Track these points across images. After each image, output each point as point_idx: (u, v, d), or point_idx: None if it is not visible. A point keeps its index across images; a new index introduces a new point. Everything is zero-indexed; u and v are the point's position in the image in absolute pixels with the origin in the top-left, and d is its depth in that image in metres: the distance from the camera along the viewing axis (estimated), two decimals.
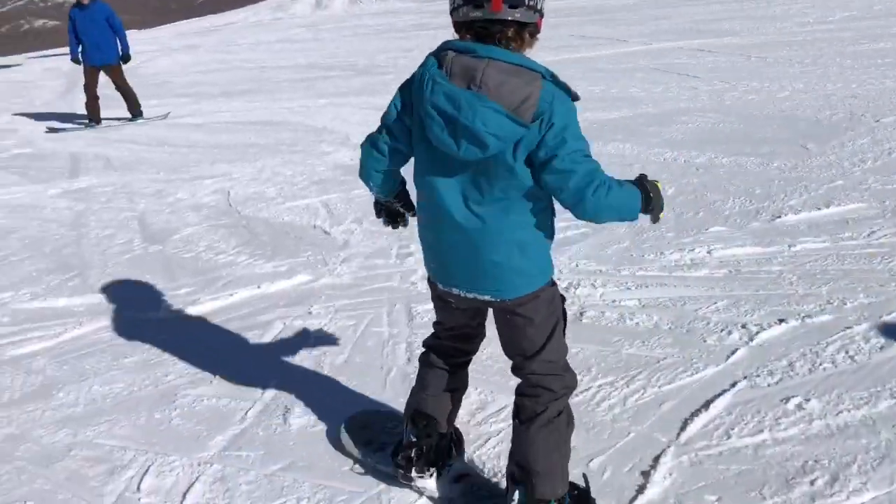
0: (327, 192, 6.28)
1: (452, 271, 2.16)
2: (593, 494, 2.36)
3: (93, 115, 10.56)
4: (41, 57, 27.83)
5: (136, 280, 4.50)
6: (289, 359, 3.43)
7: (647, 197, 2.09)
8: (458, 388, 2.50)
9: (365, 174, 2.24)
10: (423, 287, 4.07)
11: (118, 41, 10.29)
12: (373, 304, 3.93)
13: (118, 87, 10.52)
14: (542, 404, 2.21)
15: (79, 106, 11.92)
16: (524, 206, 2.03)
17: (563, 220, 4.80)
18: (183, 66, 18.44)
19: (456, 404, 2.51)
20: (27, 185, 7.25)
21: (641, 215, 2.13)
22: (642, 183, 2.12)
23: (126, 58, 10.45)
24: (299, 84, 13.15)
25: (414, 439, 2.45)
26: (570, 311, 3.68)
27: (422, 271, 4.32)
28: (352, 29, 23.52)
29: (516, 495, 2.22)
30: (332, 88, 12.23)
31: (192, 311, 4.00)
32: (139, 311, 4.04)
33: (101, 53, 10.17)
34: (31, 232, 5.63)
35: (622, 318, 3.59)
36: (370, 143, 2.18)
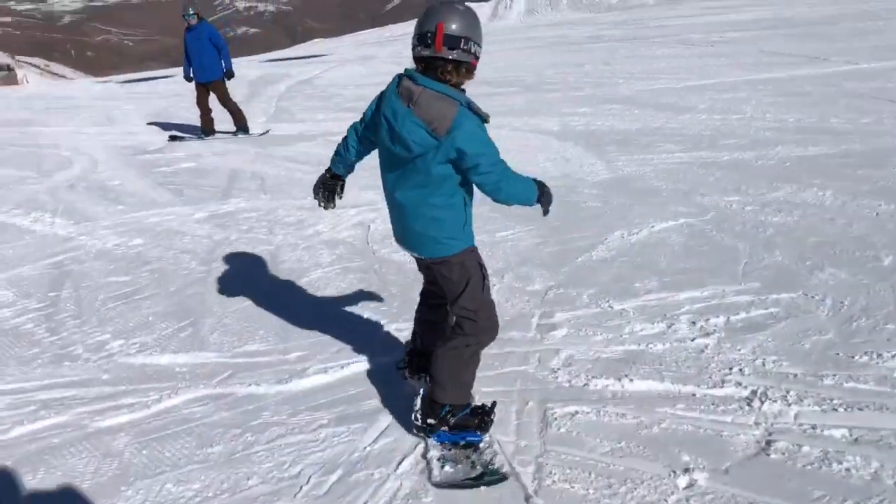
0: (492, 232, 5.69)
1: (397, 232, 2.96)
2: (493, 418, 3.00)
3: (204, 128, 11.08)
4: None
5: (247, 337, 4.08)
6: (388, 472, 2.83)
7: (541, 189, 2.90)
8: (436, 321, 3.24)
9: (346, 148, 3.05)
10: (566, 379, 3.36)
11: (222, 59, 10.67)
12: (501, 398, 3.24)
13: (222, 103, 10.86)
14: (454, 335, 2.93)
15: (253, 113, 12.34)
16: (438, 193, 2.70)
17: (749, 293, 3.90)
18: (355, 78, 18.65)
19: (438, 332, 3.17)
20: (179, 205, 7.18)
21: (537, 205, 2.92)
22: (536, 180, 2.91)
23: (229, 74, 10.77)
24: None
25: (410, 347, 3.44)
26: (754, 434, 2.86)
27: (566, 353, 3.61)
28: (524, 41, 22.91)
29: (422, 391, 3.01)
30: (493, 108, 11.64)
31: (296, 386, 3.50)
32: (240, 381, 3.59)
33: (204, 71, 10.62)
34: (164, 264, 5.42)
35: (826, 459, 2.69)
36: (353, 128, 3.02)
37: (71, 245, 5.97)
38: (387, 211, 2.95)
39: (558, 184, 6.86)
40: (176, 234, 6.15)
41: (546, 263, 4.88)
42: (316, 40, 56.95)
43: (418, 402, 2.95)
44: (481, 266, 2.93)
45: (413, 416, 2.96)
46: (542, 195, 2.89)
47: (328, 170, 3.17)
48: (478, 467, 2.82)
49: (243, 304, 4.57)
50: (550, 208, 2.95)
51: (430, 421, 2.92)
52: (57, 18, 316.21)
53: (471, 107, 2.60)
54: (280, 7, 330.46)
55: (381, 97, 2.75)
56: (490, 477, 2.77)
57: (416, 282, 5.05)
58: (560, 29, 25.76)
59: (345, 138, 3.03)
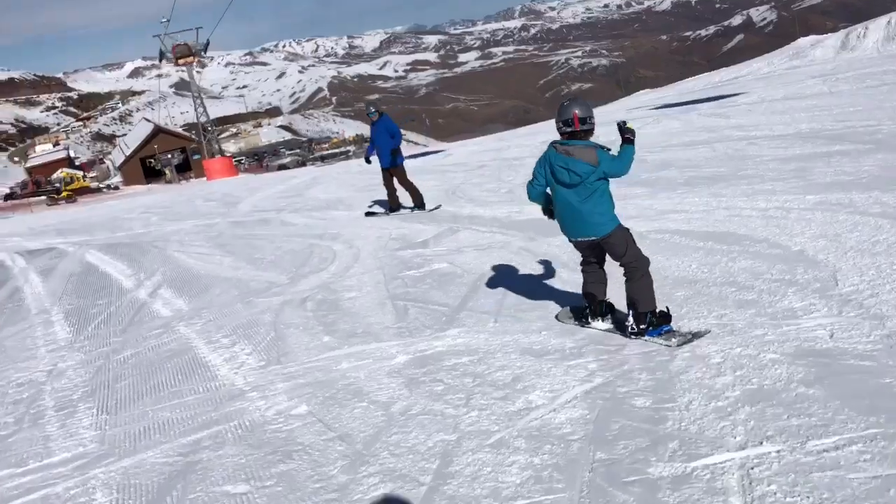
0: (757, 438, 3.43)
1: (573, 229, 5.06)
2: (672, 315, 4.99)
3: (391, 205, 12.55)
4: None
5: None
6: None
7: (632, 141, 4.94)
8: (601, 280, 5.32)
9: (534, 197, 5.31)
10: None
11: (394, 143, 12.09)
12: None
13: (400, 184, 12.29)
14: (632, 274, 4.96)
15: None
16: (597, 197, 4.88)
17: None
18: (668, 136, 16.40)
19: (604, 286, 5.31)
20: (396, 338, 5.80)
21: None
22: (628, 138, 4.93)
23: (395, 153, 12.11)
24: (788, 166, 9.94)
25: (588, 305, 5.35)
26: None
27: None
28: (880, 76, 18.58)
29: (631, 311, 4.98)
30: (830, 175, 8.80)
31: None
32: None
33: (384, 159, 12.16)
34: (304, 463, 3.90)
35: None
36: (531, 185, 5.25)
37: (231, 410, 4.79)
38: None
39: None
40: (353, 398, 4.70)
41: None
42: (643, 91, 54.99)
43: (630, 319, 4.98)
44: (628, 230, 5.04)
45: (628, 332, 4.99)
46: (633, 138, 4.97)
47: (542, 209, 5.37)
48: (688, 335, 4.78)
49: None
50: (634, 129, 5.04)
51: (641, 327, 4.93)
52: (415, 91, 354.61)
53: (601, 146, 4.86)
54: (612, 60, 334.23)
55: (545, 161, 5.09)
56: (698, 337, 4.76)
57: None
58: None
59: (529, 194, 5.35)
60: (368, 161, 12.91)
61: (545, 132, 26.17)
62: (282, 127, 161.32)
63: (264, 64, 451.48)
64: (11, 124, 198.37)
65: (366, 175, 22.23)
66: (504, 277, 7.11)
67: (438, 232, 10.42)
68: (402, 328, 6.03)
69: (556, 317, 5.66)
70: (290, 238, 12.04)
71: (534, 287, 6.63)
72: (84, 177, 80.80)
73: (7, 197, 75.06)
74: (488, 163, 19.37)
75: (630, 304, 4.96)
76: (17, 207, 56.47)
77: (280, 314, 7.02)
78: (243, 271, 9.63)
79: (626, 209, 9.43)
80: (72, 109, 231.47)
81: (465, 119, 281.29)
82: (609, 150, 4.87)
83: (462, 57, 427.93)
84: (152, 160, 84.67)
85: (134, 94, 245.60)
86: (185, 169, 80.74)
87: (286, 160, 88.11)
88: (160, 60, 76.58)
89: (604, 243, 4.97)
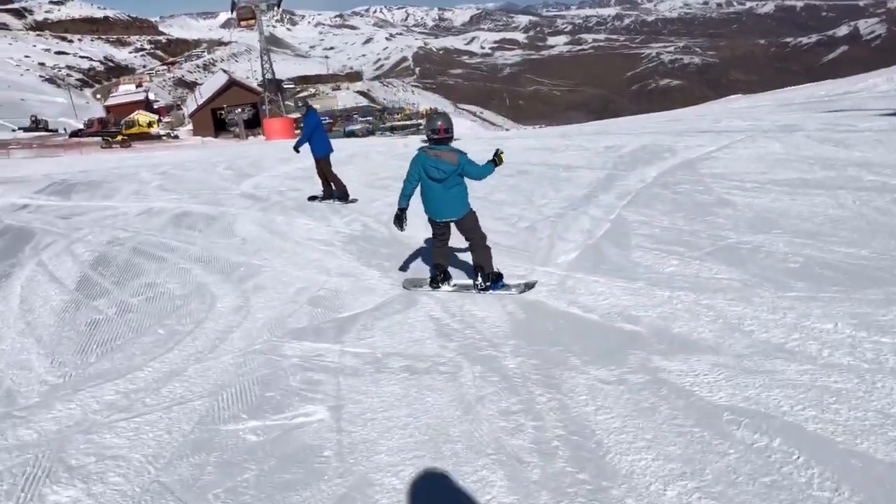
0: None
1: (439, 212, 6.48)
2: (504, 274, 6.67)
3: (324, 192, 13.08)
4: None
5: None
6: None
7: (497, 163, 6.42)
8: (448, 253, 6.90)
9: (409, 192, 6.47)
10: None
11: (326, 141, 12.96)
12: None
13: (326, 174, 12.82)
14: (476, 245, 6.57)
15: (570, 232, 7.05)
16: (457, 188, 6.39)
17: None
18: (766, 165, 11.96)
19: (448, 259, 6.93)
20: None
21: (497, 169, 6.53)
22: (494, 161, 6.39)
23: (297, 149, 13.21)
24: None
25: (438, 273, 6.80)
26: None
27: None
28: None
29: (478, 272, 6.60)
30: None
31: None
32: None
33: (313, 150, 12.87)
34: None
35: None
36: (408, 182, 6.45)
37: None
38: None
39: None
40: None
41: None
42: (734, 97, 49.45)
43: (479, 279, 6.55)
44: (475, 213, 6.55)
45: (477, 288, 6.57)
46: (497, 164, 6.40)
47: (399, 208, 6.45)
48: (522, 287, 6.54)
49: None
50: (504, 157, 6.47)
51: (487, 283, 6.51)
52: (499, 70, 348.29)
53: (461, 151, 6.29)
54: (705, 59, 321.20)
55: (418, 162, 6.37)
56: (529, 288, 6.52)
57: None
58: None
59: (403, 189, 6.46)
60: (297, 150, 13.40)
61: (615, 133, 21.84)
62: (359, 92, 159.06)
63: (353, 28, 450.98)
64: (100, 62, 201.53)
65: (398, 159, 18.59)
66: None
67: (386, 300, 6.61)
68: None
69: (403, 285, 7.03)
70: (191, 266, 8.28)
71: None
72: (159, 121, 79.55)
73: (73, 133, 74.22)
74: (532, 168, 15.22)
75: (477, 267, 6.63)
76: (71, 146, 54.79)
77: None
78: (25, 346, 5.93)
79: (698, 316, 5.30)
80: (159, 53, 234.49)
81: (546, 103, 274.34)
82: (466, 154, 6.36)
83: (551, 40, 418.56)
84: (222, 112, 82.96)
85: (221, 44, 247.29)
86: (255, 125, 78.48)
87: (357, 127, 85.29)
88: (231, 11, 74.46)
89: (458, 223, 6.54)
